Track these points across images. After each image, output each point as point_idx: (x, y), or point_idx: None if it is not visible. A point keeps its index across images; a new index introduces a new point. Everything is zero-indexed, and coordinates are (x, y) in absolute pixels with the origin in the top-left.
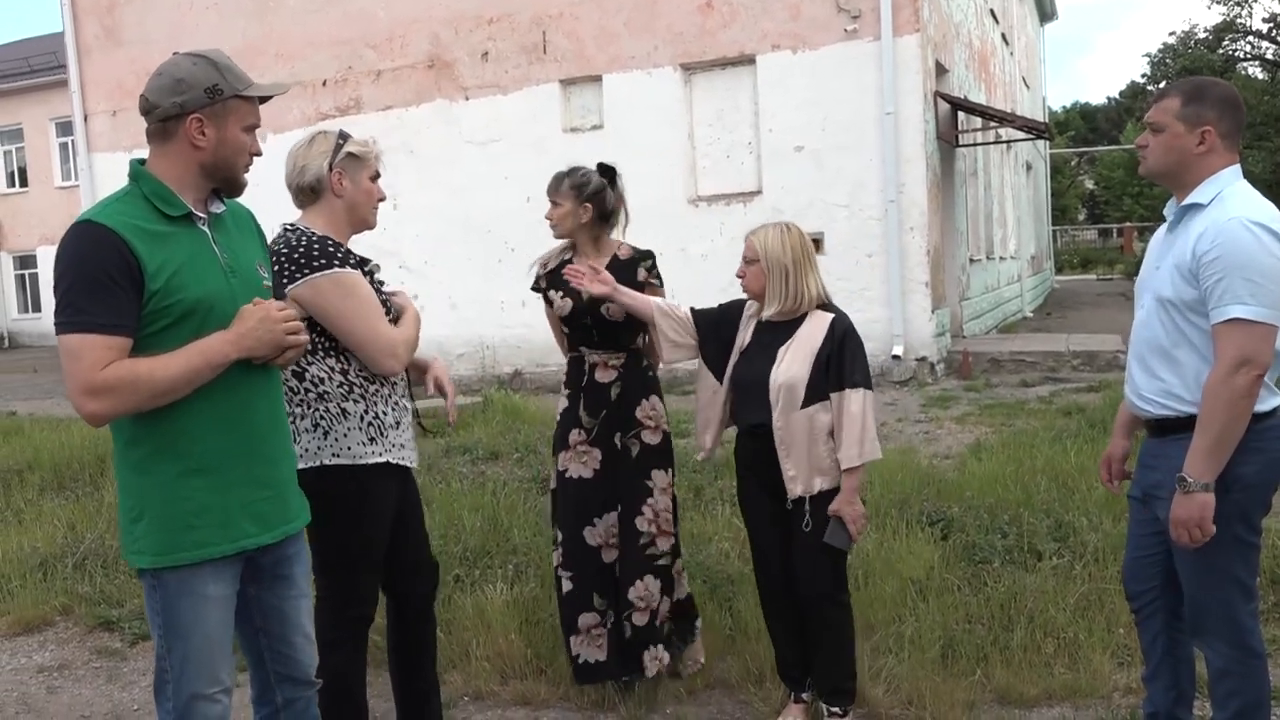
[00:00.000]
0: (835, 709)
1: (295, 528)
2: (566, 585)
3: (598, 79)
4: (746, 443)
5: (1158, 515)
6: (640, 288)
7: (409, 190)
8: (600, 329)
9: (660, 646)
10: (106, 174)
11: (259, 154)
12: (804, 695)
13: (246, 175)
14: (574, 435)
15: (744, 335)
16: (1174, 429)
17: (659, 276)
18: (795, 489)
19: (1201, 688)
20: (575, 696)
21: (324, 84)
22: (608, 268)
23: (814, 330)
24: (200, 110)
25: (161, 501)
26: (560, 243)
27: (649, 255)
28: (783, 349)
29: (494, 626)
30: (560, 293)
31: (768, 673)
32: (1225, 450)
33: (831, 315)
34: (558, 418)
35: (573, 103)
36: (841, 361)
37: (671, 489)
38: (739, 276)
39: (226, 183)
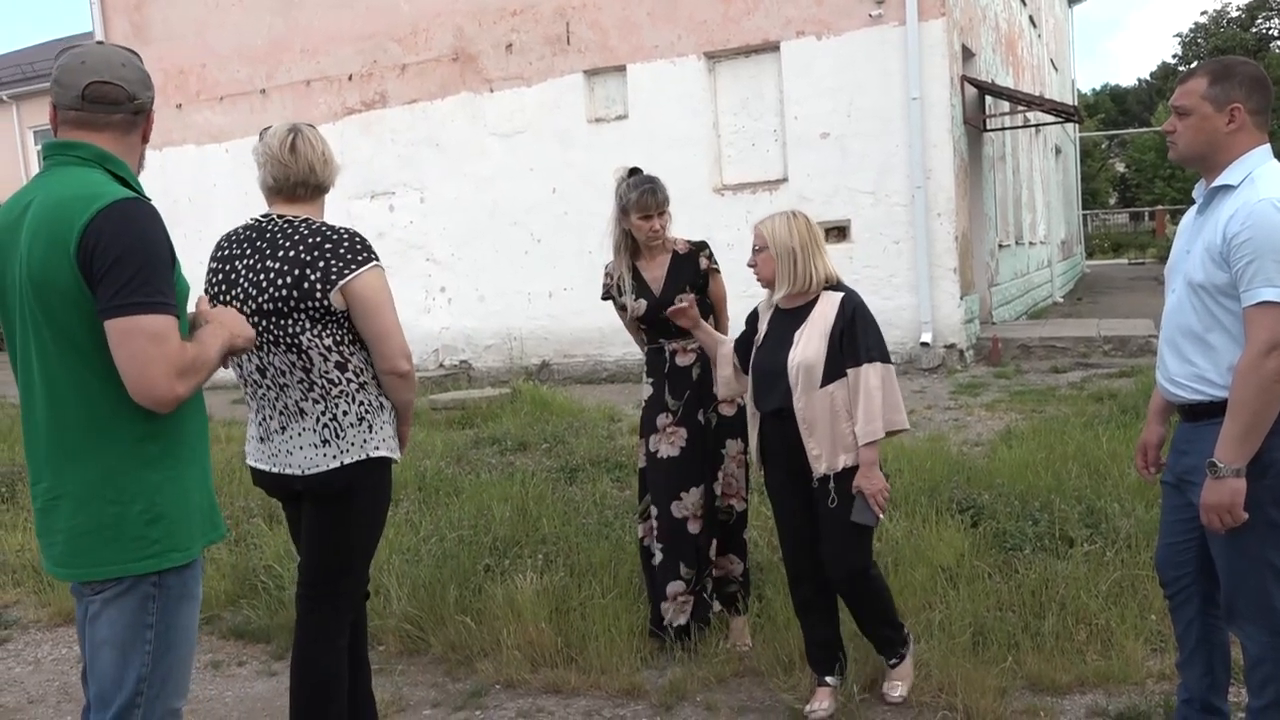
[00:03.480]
0: (893, 659)
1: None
2: (658, 556)
3: (621, 69)
4: (769, 429)
5: (1192, 501)
6: (704, 275)
7: (435, 183)
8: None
9: (710, 594)
10: None
11: None
12: (829, 679)
13: None
14: (662, 419)
15: (761, 326)
16: (1207, 414)
17: (716, 261)
18: (819, 467)
19: (1237, 674)
20: (606, 684)
21: (349, 78)
22: (670, 263)
23: (826, 310)
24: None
25: (178, 496)
26: (617, 249)
27: (704, 245)
28: (798, 333)
29: (524, 615)
30: (634, 295)
31: (797, 660)
32: (1257, 435)
33: (841, 294)
34: (643, 404)
35: (597, 93)
36: (854, 337)
37: (742, 457)
38: (750, 266)
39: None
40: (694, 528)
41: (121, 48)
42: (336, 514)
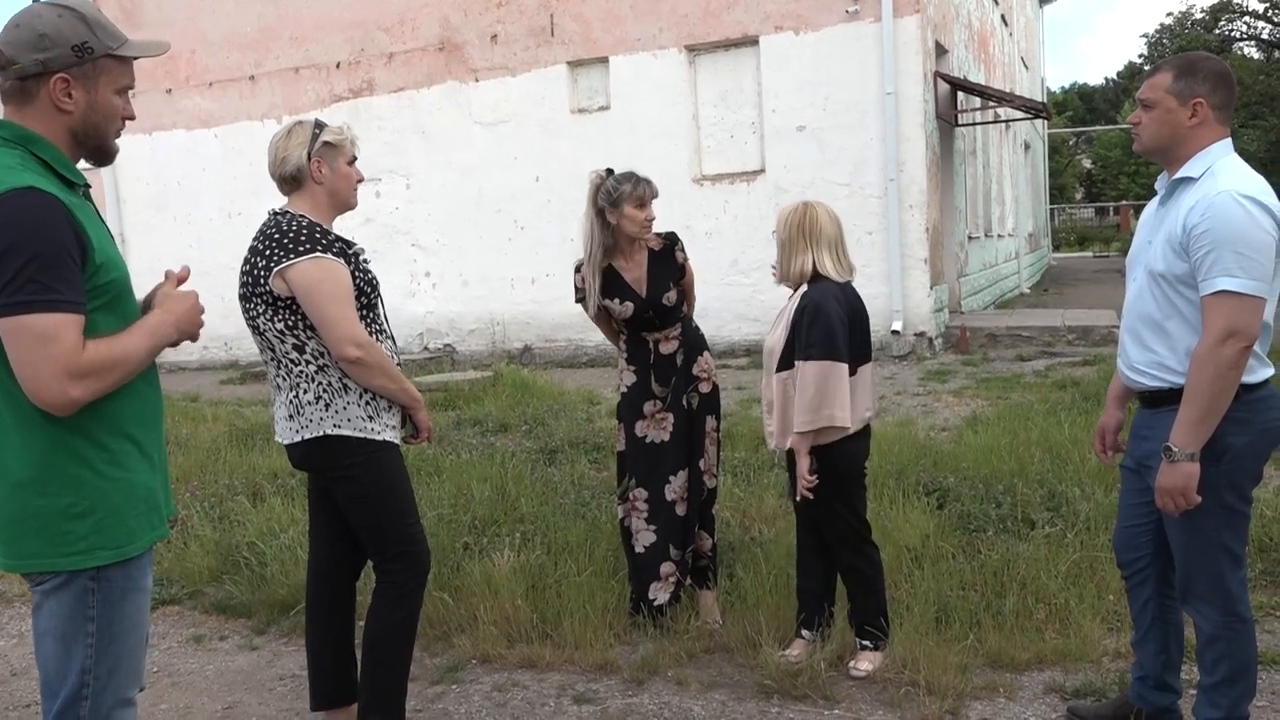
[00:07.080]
0: (865, 642)
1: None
2: (650, 538)
3: (604, 61)
4: None
5: (1150, 485)
6: (680, 268)
7: (421, 170)
8: (660, 315)
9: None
10: (125, 155)
11: (132, 117)
12: (804, 633)
13: (117, 142)
14: (649, 406)
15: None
16: (1166, 400)
17: (685, 251)
18: (771, 443)
19: (1189, 652)
20: (580, 659)
21: (337, 66)
22: (649, 261)
23: (793, 303)
24: (67, 70)
25: (114, 491)
26: (594, 254)
27: (674, 237)
28: (776, 319)
29: (501, 592)
30: (618, 299)
31: (767, 638)
32: (1211, 421)
33: (807, 289)
34: (624, 390)
35: (580, 84)
36: (800, 333)
37: (715, 434)
38: None
39: (97, 151)
40: (681, 510)
41: (48, 3)
42: (333, 489)
